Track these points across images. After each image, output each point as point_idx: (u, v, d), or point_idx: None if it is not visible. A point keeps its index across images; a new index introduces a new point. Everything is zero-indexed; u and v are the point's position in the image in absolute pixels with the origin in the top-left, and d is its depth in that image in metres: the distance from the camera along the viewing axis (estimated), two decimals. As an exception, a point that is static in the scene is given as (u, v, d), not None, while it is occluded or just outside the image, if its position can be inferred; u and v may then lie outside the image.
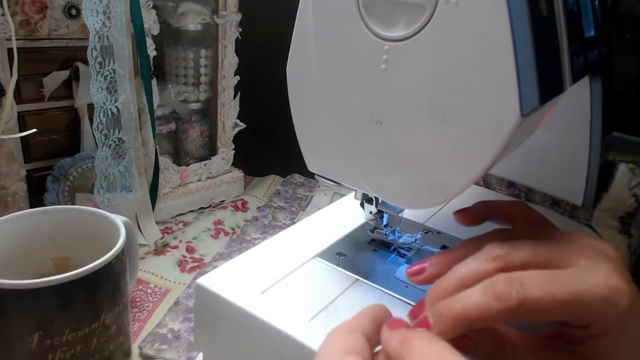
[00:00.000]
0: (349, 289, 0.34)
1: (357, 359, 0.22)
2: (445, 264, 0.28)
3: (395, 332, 0.23)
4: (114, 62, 0.53)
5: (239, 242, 0.63)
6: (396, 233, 0.38)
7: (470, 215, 0.32)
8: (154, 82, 0.60)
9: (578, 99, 0.41)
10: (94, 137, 0.54)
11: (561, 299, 0.23)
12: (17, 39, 0.48)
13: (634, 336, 0.24)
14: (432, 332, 0.23)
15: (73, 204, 0.58)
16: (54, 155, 0.58)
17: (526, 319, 0.23)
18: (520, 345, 0.26)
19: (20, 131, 0.53)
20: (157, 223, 0.63)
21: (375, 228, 0.38)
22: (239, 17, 0.68)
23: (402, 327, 0.23)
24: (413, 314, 0.26)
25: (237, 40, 0.69)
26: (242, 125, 0.74)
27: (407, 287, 0.34)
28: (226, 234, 0.65)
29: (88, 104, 0.58)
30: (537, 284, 0.23)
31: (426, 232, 0.42)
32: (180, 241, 0.61)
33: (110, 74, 0.53)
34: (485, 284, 0.24)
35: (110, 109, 0.54)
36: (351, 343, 0.23)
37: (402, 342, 0.22)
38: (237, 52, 0.69)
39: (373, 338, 0.24)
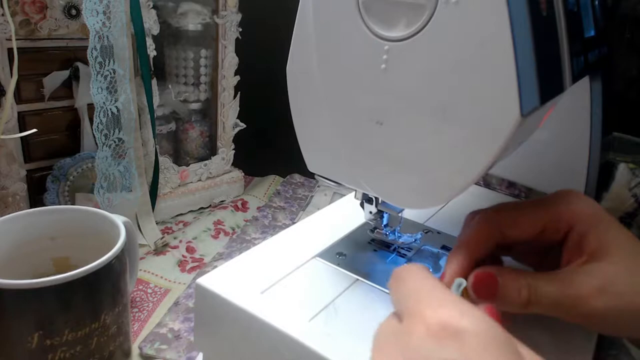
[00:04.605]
0: (349, 289, 0.34)
1: None
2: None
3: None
4: (114, 62, 0.53)
5: (239, 242, 0.63)
6: (396, 233, 0.38)
7: None
8: (154, 82, 0.60)
9: (578, 99, 0.41)
10: (94, 137, 0.54)
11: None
12: (17, 39, 0.48)
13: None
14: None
15: (73, 204, 0.58)
16: (54, 155, 0.58)
17: None
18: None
19: (20, 131, 0.53)
20: (157, 223, 0.63)
21: (375, 228, 0.38)
22: (239, 17, 0.68)
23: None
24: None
25: (237, 40, 0.69)
26: (242, 125, 0.74)
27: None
28: (226, 234, 0.65)
29: (88, 104, 0.58)
30: None
31: (426, 232, 0.42)
32: (181, 241, 0.61)
33: (110, 74, 0.53)
34: None
35: (110, 109, 0.54)
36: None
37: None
38: (237, 52, 0.69)
39: None
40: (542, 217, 0.30)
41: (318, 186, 0.77)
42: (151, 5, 0.57)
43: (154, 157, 0.62)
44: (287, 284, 0.33)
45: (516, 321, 0.32)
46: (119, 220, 0.38)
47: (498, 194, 0.51)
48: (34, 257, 0.39)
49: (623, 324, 0.27)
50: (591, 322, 0.28)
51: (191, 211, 0.70)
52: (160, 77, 0.65)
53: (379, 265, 0.37)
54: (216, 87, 0.70)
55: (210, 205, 0.72)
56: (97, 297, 0.34)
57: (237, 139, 0.75)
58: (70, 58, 0.57)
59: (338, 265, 0.36)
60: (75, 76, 0.57)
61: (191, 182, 0.70)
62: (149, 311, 0.49)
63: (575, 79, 0.30)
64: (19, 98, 0.54)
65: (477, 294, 0.28)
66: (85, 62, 0.54)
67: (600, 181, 0.44)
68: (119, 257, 0.35)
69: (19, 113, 0.54)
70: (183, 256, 0.59)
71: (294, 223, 0.67)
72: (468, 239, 0.30)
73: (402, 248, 0.39)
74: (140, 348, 0.43)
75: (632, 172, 0.46)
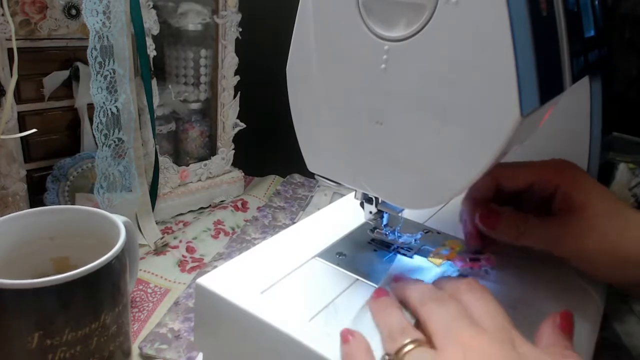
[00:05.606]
0: (349, 289, 0.34)
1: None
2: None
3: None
4: (114, 62, 0.53)
5: (239, 242, 0.63)
6: (396, 233, 0.38)
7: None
8: (154, 82, 0.60)
9: (578, 99, 0.41)
10: (94, 137, 0.54)
11: None
12: (17, 39, 0.48)
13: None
14: None
15: (73, 204, 0.58)
16: (54, 155, 0.58)
17: None
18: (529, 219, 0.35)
19: (20, 131, 0.53)
20: (157, 223, 0.63)
21: (375, 228, 0.38)
22: (239, 17, 0.68)
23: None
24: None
25: (237, 40, 0.69)
26: (242, 125, 0.74)
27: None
28: (226, 234, 0.65)
29: (88, 104, 0.58)
30: None
31: (426, 232, 0.42)
32: (181, 241, 0.61)
33: (110, 74, 0.53)
34: None
35: (110, 109, 0.54)
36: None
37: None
38: (237, 52, 0.69)
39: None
40: (532, 174, 0.36)
41: (318, 186, 0.77)
42: (151, 5, 0.57)
43: (154, 157, 0.62)
44: (287, 284, 0.33)
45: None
46: (119, 220, 0.38)
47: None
48: (33, 257, 0.39)
49: (608, 264, 0.33)
50: (581, 260, 0.34)
51: (191, 211, 0.70)
52: (160, 77, 0.65)
53: (379, 265, 0.37)
54: (216, 87, 0.70)
55: (210, 205, 0.72)
56: (97, 297, 0.34)
57: (237, 139, 0.75)
58: (70, 58, 0.57)
59: (338, 265, 0.36)
60: (75, 76, 0.57)
61: (191, 182, 0.70)
62: (149, 311, 0.49)
63: (575, 79, 0.30)
64: (19, 98, 0.54)
65: (483, 224, 0.35)
66: (85, 62, 0.54)
67: (600, 181, 0.44)
68: (119, 257, 0.35)
69: (19, 113, 0.54)
70: (183, 256, 0.59)
71: (294, 223, 0.67)
72: (475, 185, 0.34)
73: (402, 248, 0.39)
74: (140, 348, 0.43)
75: (632, 172, 0.46)
